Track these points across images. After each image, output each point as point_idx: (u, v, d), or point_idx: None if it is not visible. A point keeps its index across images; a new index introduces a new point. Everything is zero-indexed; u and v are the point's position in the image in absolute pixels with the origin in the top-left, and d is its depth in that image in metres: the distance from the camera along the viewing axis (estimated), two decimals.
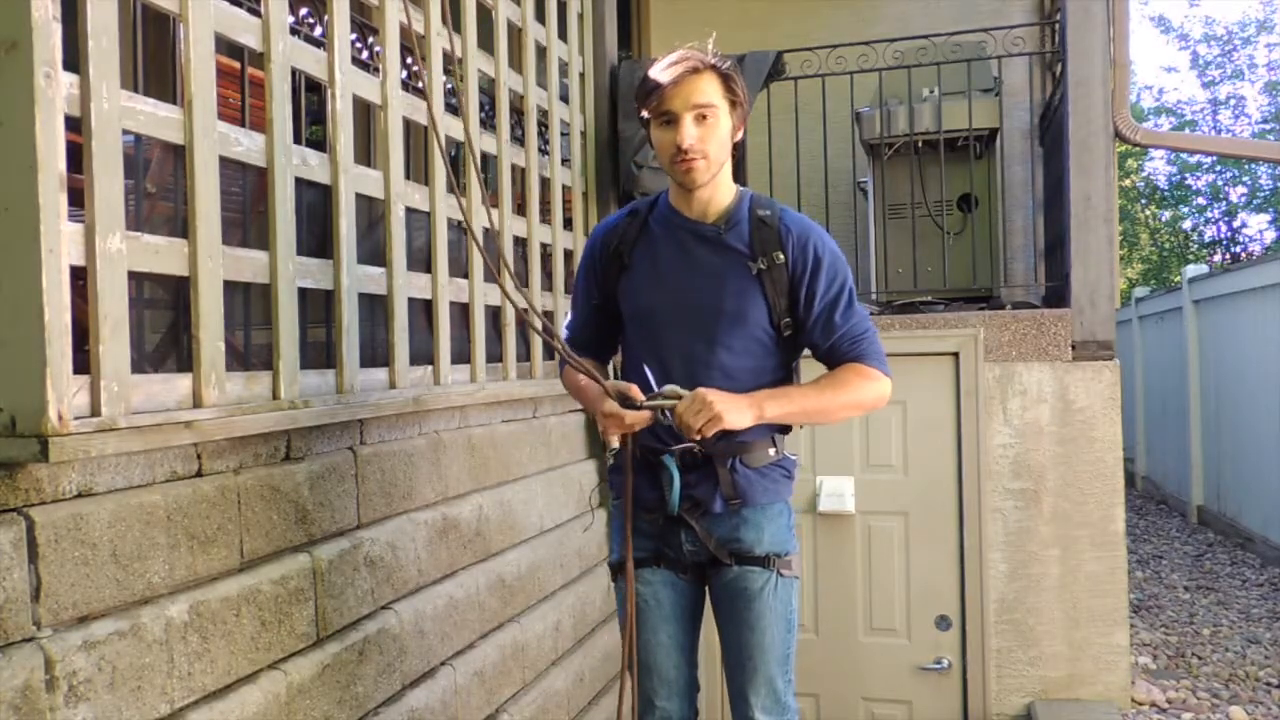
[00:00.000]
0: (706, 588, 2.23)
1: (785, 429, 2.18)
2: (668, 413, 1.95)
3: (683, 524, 2.12)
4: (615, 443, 2.07)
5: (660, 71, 2.02)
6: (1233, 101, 17.55)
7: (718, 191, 2.11)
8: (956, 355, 3.92)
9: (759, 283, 2.08)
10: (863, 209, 5.09)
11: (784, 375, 2.17)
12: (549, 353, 3.56)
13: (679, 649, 2.21)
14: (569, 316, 2.35)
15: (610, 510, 2.31)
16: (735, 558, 2.12)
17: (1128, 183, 18.40)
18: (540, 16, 3.56)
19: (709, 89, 2.00)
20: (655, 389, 2.00)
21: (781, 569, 2.12)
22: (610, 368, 2.42)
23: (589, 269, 2.26)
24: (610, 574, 2.28)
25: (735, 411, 1.94)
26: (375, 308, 2.55)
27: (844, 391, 2.08)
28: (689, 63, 2.00)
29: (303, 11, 2.35)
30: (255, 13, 2.06)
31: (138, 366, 1.75)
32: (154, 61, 2.28)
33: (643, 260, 2.16)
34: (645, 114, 2.07)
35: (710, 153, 2.02)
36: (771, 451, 2.13)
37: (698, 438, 1.95)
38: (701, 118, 2.00)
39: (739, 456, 2.09)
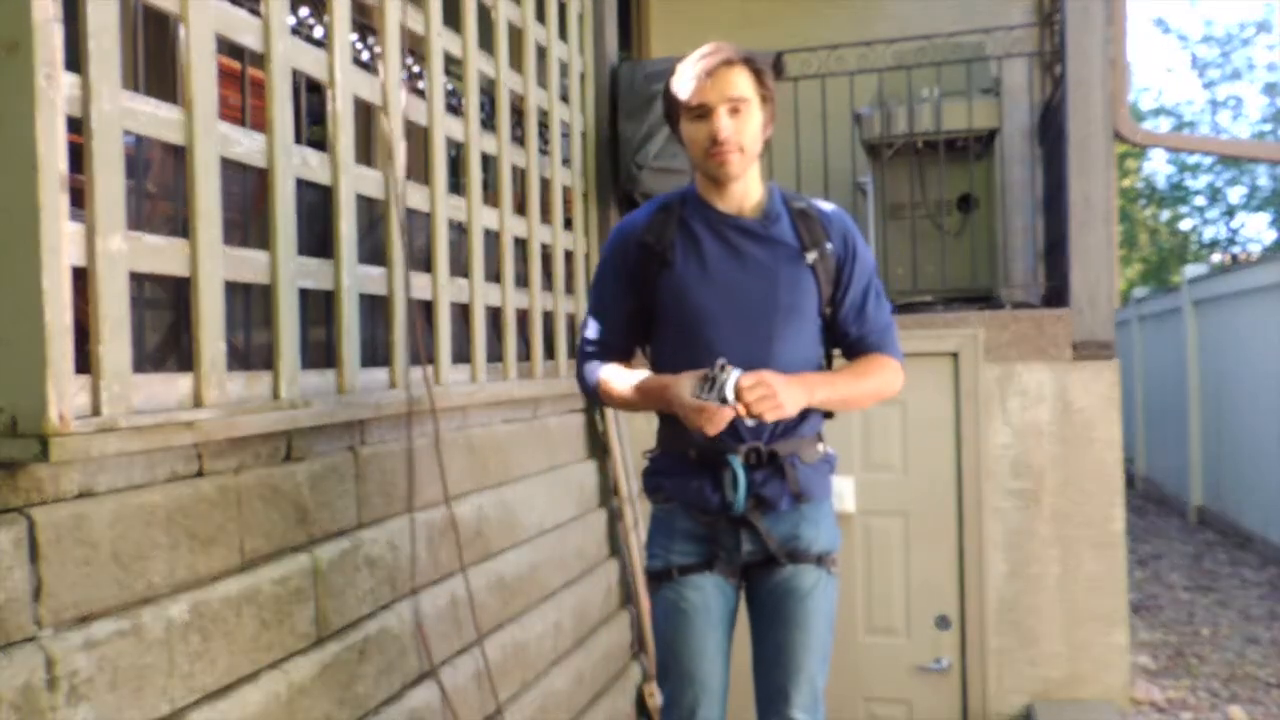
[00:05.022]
0: (744, 591, 2.18)
1: (825, 419, 2.20)
2: (729, 394, 1.86)
3: (742, 525, 2.08)
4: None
5: (693, 64, 1.99)
6: (1232, 102, 17.59)
7: (751, 185, 2.10)
8: (956, 355, 3.92)
9: (813, 273, 2.08)
10: (862, 209, 5.09)
11: (827, 364, 2.21)
12: (549, 352, 3.57)
13: (722, 655, 2.15)
14: (591, 325, 2.23)
15: (653, 513, 2.21)
16: (791, 557, 2.09)
17: (1127, 183, 18.41)
18: (540, 17, 3.56)
19: (742, 82, 1.98)
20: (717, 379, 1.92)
21: (830, 567, 2.12)
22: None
23: (619, 271, 2.16)
24: (651, 583, 2.17)
25: (792, 401, 1.92)
26: (375, 308, 2.55)
27: (873, 379, 2.11)
28: (722, 54, 1.98)
29: (303, 12, 2.35)
30: (255, 13, 2.06)
31: (139, 366, 1.75)
32: (154, 62, 2.28)
33: (686, 257, 2.09)
34: (675, 108, 2.03)
35: (745, 145, 2.01)
36: (820, 447, 2.14)
37: (751, 421, 1.90)
38: (735, 110, 1.98)
39: (796, 454, 2.09)
